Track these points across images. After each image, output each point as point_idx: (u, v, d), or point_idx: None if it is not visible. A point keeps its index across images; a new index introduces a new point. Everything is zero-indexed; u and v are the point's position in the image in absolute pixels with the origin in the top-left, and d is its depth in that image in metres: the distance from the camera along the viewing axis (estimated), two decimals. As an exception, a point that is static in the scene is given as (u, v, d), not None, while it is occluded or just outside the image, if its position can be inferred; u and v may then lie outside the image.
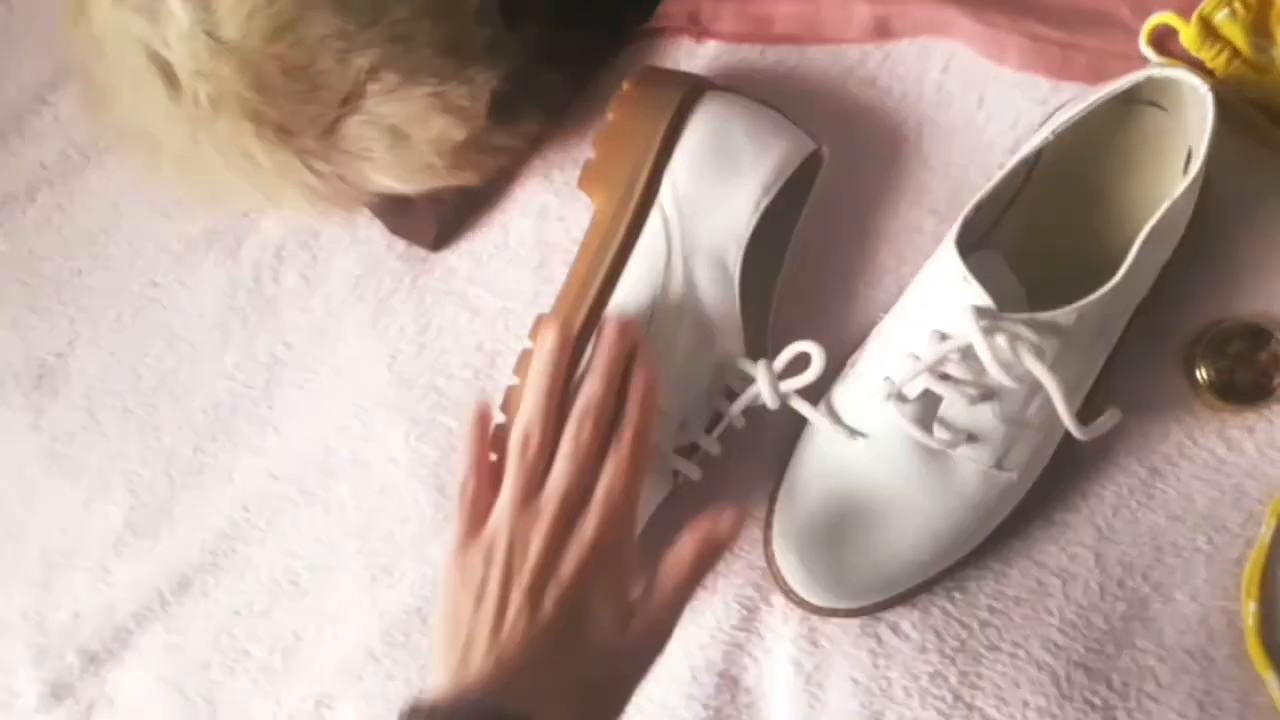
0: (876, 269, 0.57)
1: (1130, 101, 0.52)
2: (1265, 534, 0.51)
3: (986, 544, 0.53)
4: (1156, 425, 0.54)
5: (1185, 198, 0.48)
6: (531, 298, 0.60)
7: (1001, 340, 0.45)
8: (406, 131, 0.55)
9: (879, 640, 0.54)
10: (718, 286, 0.51)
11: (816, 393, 0.53)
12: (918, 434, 0.48)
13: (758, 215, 0.52)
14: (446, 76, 0.54)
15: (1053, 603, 0.53)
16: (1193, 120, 0.50)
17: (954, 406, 0.48)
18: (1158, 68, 0.49)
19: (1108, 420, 0.48)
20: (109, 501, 0.62)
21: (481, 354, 0.60)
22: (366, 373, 0.61)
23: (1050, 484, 0.53)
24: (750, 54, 0.60)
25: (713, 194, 0.51)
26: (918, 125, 0.58)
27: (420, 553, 0.58)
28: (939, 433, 0.48)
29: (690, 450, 0.53)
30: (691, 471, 0.53)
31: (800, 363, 0.50)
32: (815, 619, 0.55)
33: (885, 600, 0.53)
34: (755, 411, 0.53)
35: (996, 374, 0.45)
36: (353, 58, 0.52)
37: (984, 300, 0.46)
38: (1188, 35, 0.53)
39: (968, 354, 0.46)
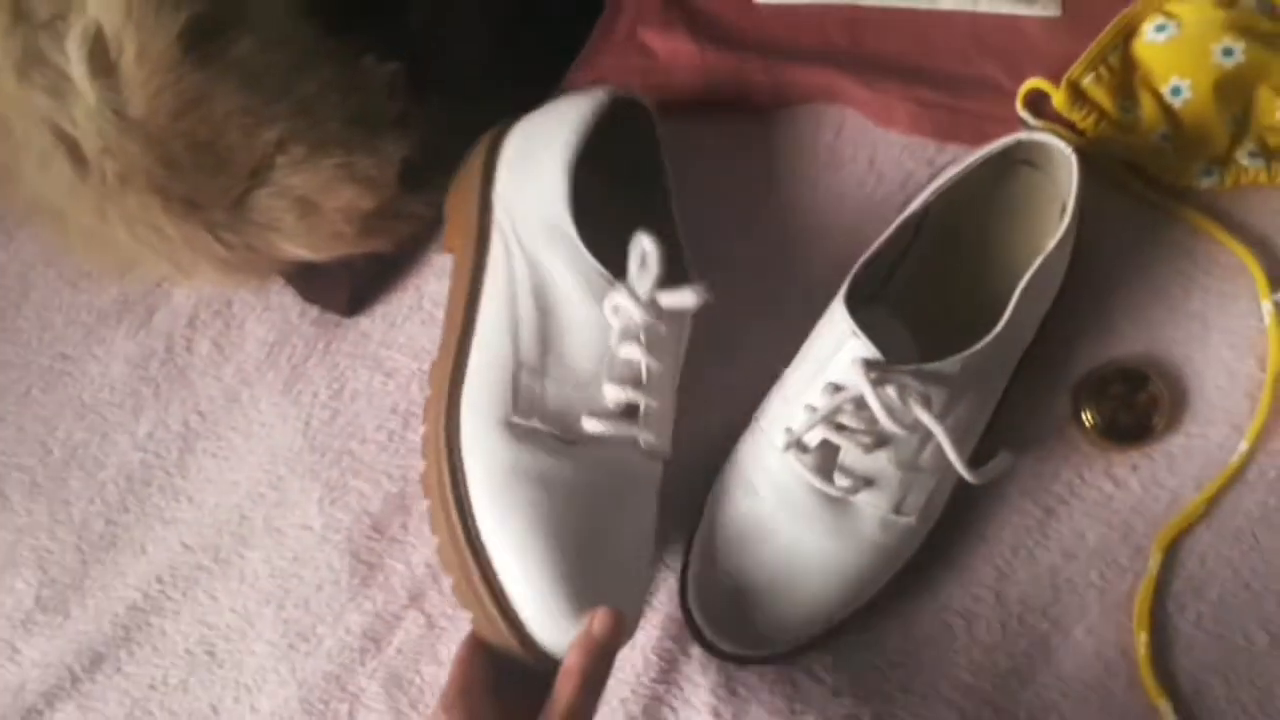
0: (781, 325, 0.59)
1: (1007, 162, 0.55)
2: (1152, 567, 0.54)
3: (893, 588, 0.54)
4: (1048, 466, 0.56)
5: (1058, 250, 0.51)
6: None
7: (890, 391, 0.47)
8: (315, 202, 0.56)
9: (795, 686, 0.55)
10: (562, 248, 0.50)
11: (724, 450, 0.55)
12: (818, 482, 0.50)
13: (567, 172, 0.52)
14: (354, 147, 0.55)
15: (959, 643, 0.55)
16: (1063, 178, 0.53)
17: (851, 454, 0.49)
18: (1028, 131, 0.53)
19: (998, 464, 0.50)
20: (17, 579, 0.60)
21: (396, 416, 0.60)
22: (280, 439, 0.61)
23: (950, 527, 0.55)
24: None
25: (526, 180, 0.53)
26: (813, 187, 0.61)
27: (337, 618, 0.58)
28: (839, 480, 0.50)
29: (630, 412, 0.51)
30: (648, 435, 0.51)
31: (650, 263, 0.49)
32: (733, 668, 0.56)
33: (799, 646, 0.54)
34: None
35: (887, 423, 0.47)
36: (260, 131, 0.53)
37: (872, 353, 0.48)
38: (1058, 99, 0.57)
39: (860, 404, 0.48)
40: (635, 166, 0.57)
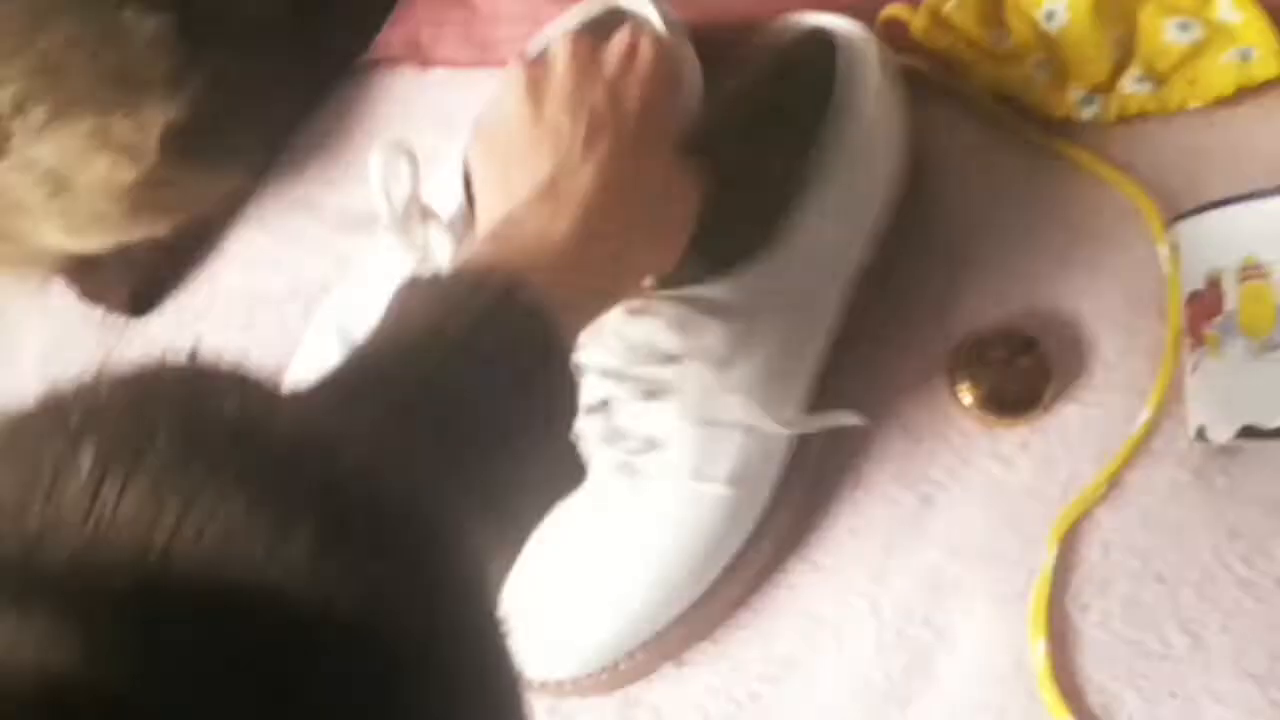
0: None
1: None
2: (1048, 561, 0.45)
3: (750, 597, 0.46)
4: (923, 447, 0.47)
5: (839, 133, 0.43)
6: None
7: (642, 325, 0.40)
8: (66, 175, 0.49)
9: (629, 725, 0.46)
10: None
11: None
12: (603, 448, 0.42)
13: None
14: (109, 109, 0.48)
15: (827, 660, 0.46)
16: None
17: (625, 409, 0.42)
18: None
19: (825, 418, 0.43)
20: None
21: (182, 426, 0.52)
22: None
23: (809, 522, 0.47)
24: (481, 79, 0.56)
25: None
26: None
27: None
28: (623, 442, 0.42)
29: None
30: None
31: None
32: (563, 706, 0.47)
33: (633, 658, 0.45)
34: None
35: (634, 367, 0.40)
36: (-9, 92, 0.46)
37: None
38: (917, 23, 0.50)
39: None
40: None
